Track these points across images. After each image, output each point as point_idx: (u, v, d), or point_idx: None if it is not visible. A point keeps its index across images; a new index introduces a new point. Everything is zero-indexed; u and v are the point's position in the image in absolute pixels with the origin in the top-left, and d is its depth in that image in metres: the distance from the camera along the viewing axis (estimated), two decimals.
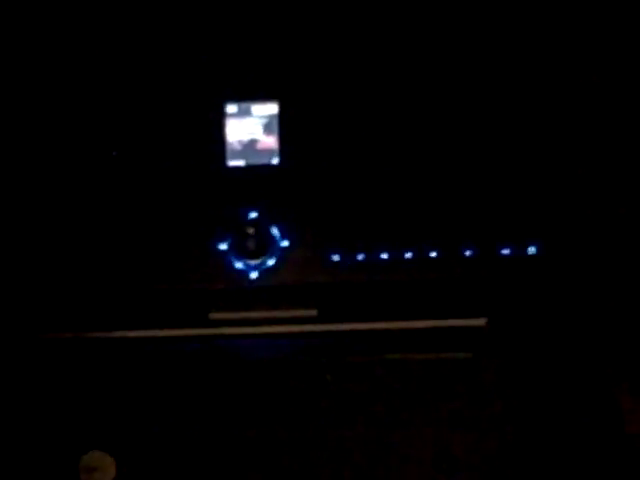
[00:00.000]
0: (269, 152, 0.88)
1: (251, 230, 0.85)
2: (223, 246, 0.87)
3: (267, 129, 0.88)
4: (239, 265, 0.87)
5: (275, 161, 0.88)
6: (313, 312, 0.89)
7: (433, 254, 0.86)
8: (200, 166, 0.87)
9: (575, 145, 0.88)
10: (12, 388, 0.92)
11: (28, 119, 0.87)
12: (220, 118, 0.88)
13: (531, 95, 0.88)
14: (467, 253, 0.86)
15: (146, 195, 0.87)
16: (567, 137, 0.88)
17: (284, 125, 0.87)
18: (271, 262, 0.87)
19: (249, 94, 0.88)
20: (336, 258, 0.87)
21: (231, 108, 0.88)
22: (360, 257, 0.87)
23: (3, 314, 0.89)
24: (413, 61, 0.88)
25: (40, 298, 0.87)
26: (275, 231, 0.87)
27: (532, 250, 0.87)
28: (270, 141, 0.88)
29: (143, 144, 0.88)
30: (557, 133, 0.87)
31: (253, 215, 0.87)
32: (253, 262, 0.86)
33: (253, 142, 0.88)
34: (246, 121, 0.88)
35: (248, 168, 0.88)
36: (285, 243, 0.87)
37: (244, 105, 0.88)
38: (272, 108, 0.88)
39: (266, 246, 0.86)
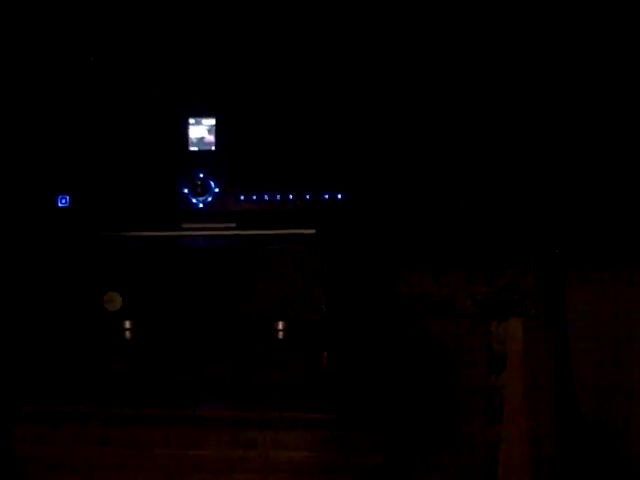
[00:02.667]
0: (210, 143, 1.71)
1: (199, 182, 1.69)
2: (186, 190, 1.70)
3: (209, 132, 1.71)
4: (194, 200, 1.69)
5: (213, 148, 1.71)
6: (233, 225, 1.72)
7: (291, 197, 1.70)
8: (176, 150, 1.71)
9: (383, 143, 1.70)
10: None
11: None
12: (186, 125, 1.71)
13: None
14: (307, 197, 1.70)
15: (152, 165, 1.71)
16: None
17: (218, 130, 1.71)
18: (209, 199, 1.70)
19: (200, 113, 1.71)
20: (242, 197, 1.71)
21: (191, 120, 1.71)
22: (254, 197, 1.71)
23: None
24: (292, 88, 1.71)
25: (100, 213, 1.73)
26: (212, 183, 1.70)
27: (342, 196, 1.70)
28: (210, 137, 1.71)
29: (151, 141, 1.72)
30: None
31: (201, 175, 1.69)
32: (200, 199, 1.69)
33: (202, 138, 1.71)
34: (199, 127, 1.71)
35: (199, 151, 1.71)
36: (217, 190, 1.70)
37: (198, 119, 1.71)
38: (211, 121, 1.71)
39: (206, 191, 1.69)
